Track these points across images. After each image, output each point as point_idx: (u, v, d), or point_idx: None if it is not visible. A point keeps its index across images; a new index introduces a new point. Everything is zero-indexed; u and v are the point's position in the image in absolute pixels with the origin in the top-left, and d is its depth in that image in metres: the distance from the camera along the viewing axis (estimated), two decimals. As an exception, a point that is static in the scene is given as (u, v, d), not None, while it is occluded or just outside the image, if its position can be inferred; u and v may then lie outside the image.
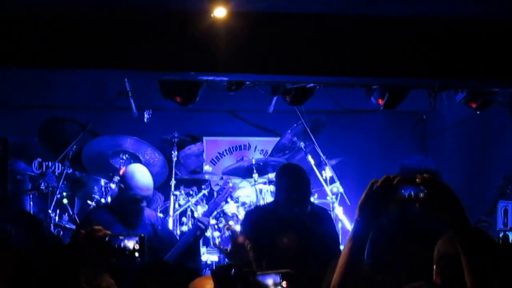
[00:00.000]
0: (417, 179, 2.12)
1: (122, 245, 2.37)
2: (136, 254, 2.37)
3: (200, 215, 6.48)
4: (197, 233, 5.47)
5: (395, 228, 4.67)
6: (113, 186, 6.26)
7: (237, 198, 6.72)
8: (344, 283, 2.16)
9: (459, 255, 2.14)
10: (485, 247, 2.81)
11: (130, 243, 2.37)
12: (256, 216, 5.10)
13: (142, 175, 5.12)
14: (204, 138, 7.97)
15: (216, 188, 6.38)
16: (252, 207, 6.41)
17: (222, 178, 6.59)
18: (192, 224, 5.89)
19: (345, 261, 2.17)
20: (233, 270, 2.36)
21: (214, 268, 3.30)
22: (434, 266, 2.86)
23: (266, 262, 4.54)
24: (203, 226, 5.50)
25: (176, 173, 6.70)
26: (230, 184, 6.28)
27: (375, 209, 2.16)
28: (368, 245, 4.05)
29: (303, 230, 4.83)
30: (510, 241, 5.10)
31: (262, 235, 4.82)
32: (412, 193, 2.12)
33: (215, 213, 6.31)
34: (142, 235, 2.41)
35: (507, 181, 6.45)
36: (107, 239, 2.38)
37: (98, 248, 2.36)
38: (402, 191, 2.13)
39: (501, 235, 5.79)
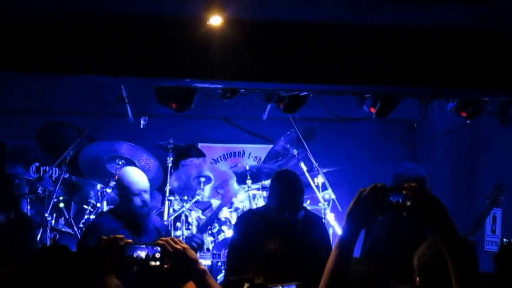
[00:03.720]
0: (403, 188, 2.16)
1: (144, 254, 2.34)
2: (158, 263, 2.34)
3: (194, 220, 6.54)
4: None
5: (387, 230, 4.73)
6: (109, 190, 6.29)
7: (231, 203, 6.78)
8: None
9: (440, 262, 2.18)
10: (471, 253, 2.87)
11: (152, 252, 2.35)
12: (248, 218, 5.14)
13: (133, 172, 5.15)
14: (199, 145, 8.02)
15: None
16: (245, 210, 6.46)
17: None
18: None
19: (331, 268, 2.16)
20: (245, 283, 2.33)
21: (225, 281, 3.20)
22: (416, 273, 2.91)
23: (257, 266, 4.57)
24: (195, 245, 5.65)
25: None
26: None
27: (362, 217, 2.18)
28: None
29: (294, 234, 4.87)
30: None
31: (253, 237, 4.86)
32: (400, 201, 2.15)
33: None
34: (162, 243, 2.37)
35: (499, 190, 6.12)
36: (128, 247, 2.35)
37: (120, 257, 2.33)
38: (390, 199, 2.16)
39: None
